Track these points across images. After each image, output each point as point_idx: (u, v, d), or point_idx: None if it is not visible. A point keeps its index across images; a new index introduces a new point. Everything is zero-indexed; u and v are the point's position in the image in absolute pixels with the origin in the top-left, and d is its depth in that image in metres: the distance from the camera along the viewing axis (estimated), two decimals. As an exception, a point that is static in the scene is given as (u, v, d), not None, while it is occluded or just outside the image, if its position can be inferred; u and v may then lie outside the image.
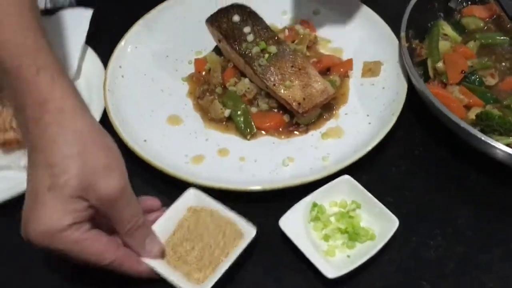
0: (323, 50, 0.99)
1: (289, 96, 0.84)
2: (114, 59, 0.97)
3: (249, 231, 0.71)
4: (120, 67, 0.97)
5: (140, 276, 0.69)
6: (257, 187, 0.78)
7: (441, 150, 0.85)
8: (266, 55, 0.88)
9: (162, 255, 0.70)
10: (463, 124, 0.78)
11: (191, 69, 0.98)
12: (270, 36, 0.90)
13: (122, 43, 0.99)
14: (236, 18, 0.92)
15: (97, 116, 0.89)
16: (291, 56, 0.88)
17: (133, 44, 1.00)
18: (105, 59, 0.98)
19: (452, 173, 0.83)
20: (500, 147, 0.74)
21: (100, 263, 0.65)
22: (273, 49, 0.88)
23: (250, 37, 0.90)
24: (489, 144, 0.75)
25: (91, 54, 1.00)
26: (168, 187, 0.81)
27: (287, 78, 0.86)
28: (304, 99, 0.84)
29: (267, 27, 0.92)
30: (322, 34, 1.02)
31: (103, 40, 1.03)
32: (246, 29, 0.90)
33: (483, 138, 0.75)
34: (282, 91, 0.85)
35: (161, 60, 1.00)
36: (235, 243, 0.71)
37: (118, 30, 1.02)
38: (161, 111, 0.92)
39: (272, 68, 0.87)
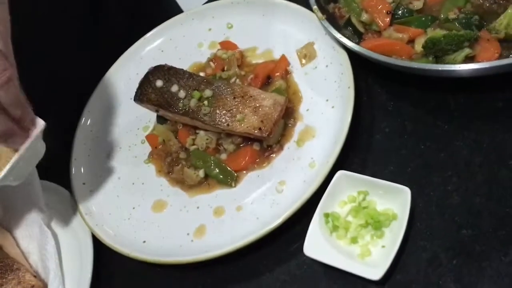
0: (253, 59, 0.96)
1: (247, 127, 0.82)
2: (74, 180, 0.94)
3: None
4: (84, 184, 0.94)
5: None
6: (268, 228, 0.76)
7: (410, 93, 0.82)
8: (205, 102, 0.85)
9: None
10: (415, 64, 0.76)
11: (147, 148, 0.95)
12: (198, 82, 0.88)
13: (72, 159, 0.96)
14: (159, 83, 0.89)
15: (89, 244, 0.86)
16: (228, 89, 0.85)
17: (83, 156, 0.97)
18: (65, 184, 0.95)
19: (431, 109, 0.80)
20: (461, 68, 0.72)
21: None
22: (208, 92, 0.86)
23: (181, 94, 0.87)
24: (448, 70, 0.73)
25: (50, 186, 0.97)
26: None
27: (236, 112, 0.83)
28: (262, 122, 0.81)
29: (191, 75, 0.89)
30: (245, 44, 0.99)
31: (51, 168, 1.00)
32: (174, 88, 0.88)
33: (441, 68, 0.73)
34: (238, 127, 0.82)
35: (116, 154, 0.97)
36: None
37: (61, 148, 1.00)
38: (143, 204, 0.89)
39: (217, 111, 0.84)
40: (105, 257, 0.87)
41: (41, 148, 0.77)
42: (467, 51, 0.77)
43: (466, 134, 0.76)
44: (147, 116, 0.98)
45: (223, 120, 0.83)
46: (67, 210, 0.93)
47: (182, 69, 0.91)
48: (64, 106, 1.05)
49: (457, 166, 0.74)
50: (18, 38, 0.70)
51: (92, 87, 1.03)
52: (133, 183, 0.92)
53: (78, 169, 0.96)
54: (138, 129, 0.98)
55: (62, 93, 1.04)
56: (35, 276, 0.88)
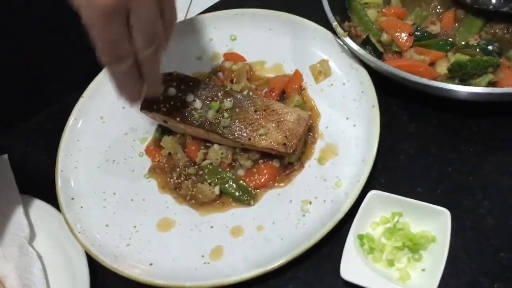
0: (263, 73, 0.92)
1: (271, 143, 0.77)
2: (62, 196, 0.84)
3: None
4: (73, 199, 0.84)
5: None
6: (298, 250, 0.71)
7: (432, 115, 0.82)
8: (225, 114, 0.80)
9: None
10: (443, 85, 0.75)
11: (146, 162, 0.87)
12: (214, 92, 0.82)
13: (58, 174, 0.86)
14: (172, 91, 0.82)
15: (84, 265, 0.77)
16: (248, 102, 0.81)
17: (70, 169, 0.87)
18: (51, 199, 0.85)
19: (455, 131, 0.80)
20: (486, 91, 0.73)
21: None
22: (227, 104, 0.80)
23: (197, 104, 0.81)
24: (474, 92, 0.74)
25: (31, 200, 0.86)
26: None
27: (258, 126, 0.79)
28: (286, 137, 0.77)
29: (206, 84, 0.83)
30: (252, 57, 0.95)
31: (35, 182, 0.89)
32: (189, 98, 0.81)
33: (465, 90, 0.73)
34: (261, 142, 0.78)
35: (110, 168, 0.88)
36: None
37: (45, 162, 0.89)
38: (146, 223, 0.81)
39: (238, 124, 0.79)
40: (102, 281, 0.77)
41: None
42: (490, 76, 0.78)
43: (493, 158, 0.77)
44: (144, 127, 0.91)
45: (244, 134, 0.78)
46: (55, 229, 0.82)
47: (196, 78, 0.85)
48: (51, 107, 0.95)
49: (487, 189, 0.74)
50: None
51: (80, 90, 0.94)
52: (132, 199, 0.84)
53: (66, 182, 0.85)
54: (134, 140, 0.90)
55: (48, 91, 0.94)
56: (18, 304, 0.76)
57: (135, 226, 0.81)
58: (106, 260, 0.76)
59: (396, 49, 0.85)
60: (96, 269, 0.77)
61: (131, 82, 0.66)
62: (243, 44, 0.97)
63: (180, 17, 1.03)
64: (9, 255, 0.83)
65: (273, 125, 0.79)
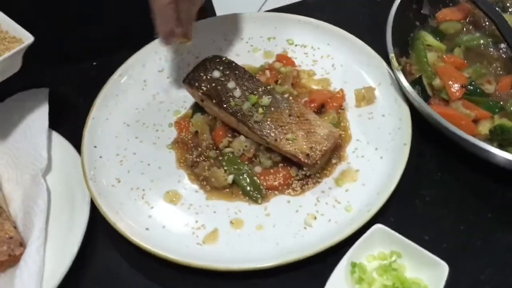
0: (309, 83, 0.93)
1: (295, 149, 0.78)
2: (86, 140, 0.86)
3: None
4: (95, 147, 0.87)
5: None
6: (287, 259, 0.71)
7: (461, 171, 0.81)
8: (260, 109, 0.80)
9: None
10: (481, 144, 0.74)
11: (173, 134, 0.89)
12: (256, 86, 0.83)
13: (90, 118, 0.89)
14: (216, 73, 0.84)
15: (85, 211, 0.79)
16: (285, 104, 0.81)
17: (102, 117, 0.90)
18: (74, 141, 0.87)
19: (480, 193, 0.79)
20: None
21: None
22: (265, 100, 0.81)
23: (237, 93, 0.82)
24: (510, 160, 0.72)
25: (58, 138, 0.89)
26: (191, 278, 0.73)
27: (287, 130, 0.79)
28: (311, 148, 0.78)
29: (251, 77, 0.85)
30: (303, 65, 0.96)
31: (65, 120, 0.92)
32: (231, 84, 0.83)
33: (503, 156, 0.72)
34: (286, 145, 0.78)
35: (138, 129, 0.90)
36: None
37: (81, 106, 0.92)
38: (155, 189, 0.82)
39: (269, 122, 0.80)
40: (96, 233, 0.79)
41: (18, 64, 0.81)
42: (531, 149, 0.76)
43: (508, 232, 0.75)
44: (181, 102, 0.93)
45: (272, 134, 0.79)
46: (70, 170, 0.85)
47: (244, 68, 0.86)
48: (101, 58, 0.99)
49: (493, 258, 0.72)
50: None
51: (134, 50, 0.97)
52: (148, 164, 0.86)
53: (94, 130, 0.88)
54: (168, 110, 0.92)
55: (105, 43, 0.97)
56: (15, 227, 0.79)
57: (143, 190, 0.83)
58: (108, 212, 0.78)
59: (445, 97, 0.84)
60: (95, 220, 0.79)
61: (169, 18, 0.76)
62: (298, 50, 0.98)
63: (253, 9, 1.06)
64: (21, 182, 0.86)
65: (303, 133, 0.79)
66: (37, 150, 0.86)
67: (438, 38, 0.94)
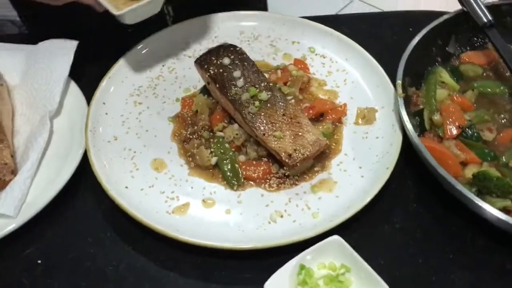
0: (317, 91, 0.96)
1: (279, 147, 0.81)
2: (98, 95, 0.92)
3: None
4: (104, 103, 0.93)
5: None
6: (245, 246, 0.74)
7: (436, 206, 0.82)
8: (257, 102, 0.84)
9: None
10: (458, 186, 0.74)
11: (177, 108, 0.94)
12: (260, 80, 0.87)
13: (107, 77, 0.95)
14: (226, 60, 0.88)
15: (77, 157, 0.85)
16: (282, 104, 0.84)
17: (117, 79, 0.96)
18: (88, 93, 0.94)
19: (449, 232, 0.79)
20: (494, 212, 0.71)
21: None
22: (263, 95, 0.84)
23: (240, 82, 0.86)
24: (483, 208, 0.72)
25: (74, 87, 0.96)
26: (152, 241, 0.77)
27: (277, 128, 0.82)
28: (295, 150, 0.80)
29: (258, 71, 0.88)
30: (317, 74, 0.98)
31: (86, 73, 0.99)
32: (236, 73, 0.87)
33: (477, 202, 0.72)
34: (272, 142, 0.81)
35: (148, 96, 0.95)
36: None
37: (104, 62, 0.98)
38: (145, 154, 0.87)
39: (262, 117, 0.83)
40: (80, 183, 0.85)
41: (159, 7, 0.84)
42: (508, 203, 0.76)
43: (465, 274, 0.75)
44: (194, 81, 0.97)
45: (262, 128, 0.82)
46: (75, 119, 0.91)
47: (253, 61, 0.90)
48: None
49: (440, 298, 0.73)
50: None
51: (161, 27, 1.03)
52: (147, 130, 0.91)
53: (107, 88, 0.94)
54: (180, 87, 0.97)
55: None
56: (12, 156, 0.86)
57: (135, 152, 0.88)
58: (95, 162, 0.83)
59: (441, 134, 0.85)
60: (84, 172, 0.84)
61: None
62: (317, 59, 1.00)
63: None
64: (32, 119, 0.93)
65: (291, 134, 0.82)
66: (52, 94, 0.93)
67: (455, 78, 0.94)
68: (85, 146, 0.85)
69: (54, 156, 0.88)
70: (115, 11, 0.81)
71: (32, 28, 1.21)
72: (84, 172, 0.85)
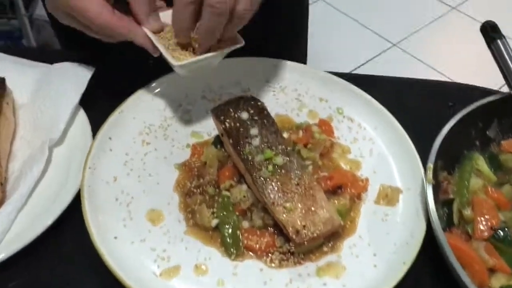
0: (339, 159, 0.88)
1: (287, 220, 0.73)
2: (106, 129, 0.86)
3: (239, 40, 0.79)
4: (110, 138, 0.86)
5: (135, 38, 0.78)
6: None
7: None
8: (270, 167, 0.76)
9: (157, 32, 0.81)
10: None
11: (186, 154, 0.87)
12: (278, 142, 0.79)
13: (118, 110, 0.89)
14: (244, 115, 0.81)
15: (70, 195, 0.78)
16: (298, 172, 0.77)
17: (129, 114, 0.90)
18: (96, 123, 0.88)
19: None
20: None
21: (96, 21, 0.75)
22: (279, 160, 0.77)
23: (256, 141, 0.79)
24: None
25: (81, 116, 0.90)
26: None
27: (289, 198, 0.74)
28: (304, 227, 0.72)
29: (277, 131, 0.81)
30: (341, 139, 0.91)
31: (98, 102, 0.93)
32: (253, 131, 0.79)
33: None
34: (281, 213, 0.73)
35: (158, 137, 0.89)
36: (221, 46, 0.79)
37: (118, 91, 0.93)
38: (143, 201, 0.80)
39: (274, 183, 0.75)
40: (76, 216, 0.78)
41: (217, 62, 0.84)
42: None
43: None
44: (209, 128, 0.90)
45: (272, 196, 0.74)
46: (77, 152, 0.85)
47: (273, 119, 0.82)
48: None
49: None
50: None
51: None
52: (149, 175, 0.84)
53: (116, 122, 0.88)
54: (192, 131, 0.90)
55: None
56: (1, 184, 0.80)
57: (132, 197, 0.81)
58: (88, 206, 0.76)
59: (470, 232, 0.76)
60: (78, 207, 0.78)
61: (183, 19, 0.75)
62: (344, 122, 0.93)
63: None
64: (32, 143, 0.87)
65: (302, 208, 0.74)
66: (58, 120, 0.87)
67: (492, 168, 0.85)
68: (80, 186, 0.79)
69: (47, 187, 0.82)
70: (174, 62, 0.77)
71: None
72: (77, 207, 0.78)
